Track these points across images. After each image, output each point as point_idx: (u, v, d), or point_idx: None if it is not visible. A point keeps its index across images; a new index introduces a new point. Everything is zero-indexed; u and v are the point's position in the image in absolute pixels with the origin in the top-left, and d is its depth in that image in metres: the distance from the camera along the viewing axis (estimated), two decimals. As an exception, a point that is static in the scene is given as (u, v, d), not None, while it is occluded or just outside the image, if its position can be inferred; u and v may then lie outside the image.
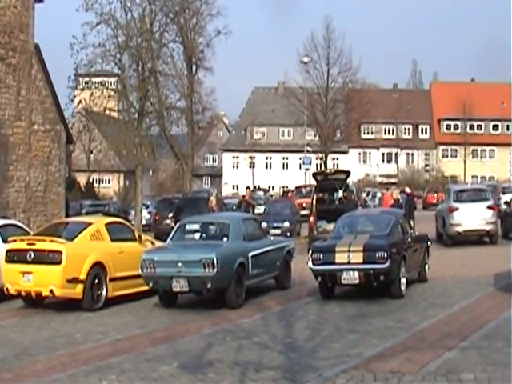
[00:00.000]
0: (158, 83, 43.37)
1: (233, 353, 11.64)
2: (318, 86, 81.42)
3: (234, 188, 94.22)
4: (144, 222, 41.72)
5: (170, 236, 17.76)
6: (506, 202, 34.08)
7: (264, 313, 15.60)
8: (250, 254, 17.03)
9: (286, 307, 16.24)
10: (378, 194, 49.06)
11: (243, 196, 34.77)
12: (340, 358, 10.92)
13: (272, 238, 20.93)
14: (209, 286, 15.79)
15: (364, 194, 59.29)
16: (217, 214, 25.16)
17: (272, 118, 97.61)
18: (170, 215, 35.04)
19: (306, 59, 73.36)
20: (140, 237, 19.21)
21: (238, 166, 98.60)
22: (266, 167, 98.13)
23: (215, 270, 15.55)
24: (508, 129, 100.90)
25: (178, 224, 18.92)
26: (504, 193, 43.47)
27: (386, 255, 15.90)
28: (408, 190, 33.77)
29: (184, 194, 44.76)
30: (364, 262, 16.04)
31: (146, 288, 17.00)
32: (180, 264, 15.87)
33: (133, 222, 35.63)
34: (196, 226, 17.99)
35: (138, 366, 11.03)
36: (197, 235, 17.69)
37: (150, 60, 41.70)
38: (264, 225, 29.65)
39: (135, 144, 40.42)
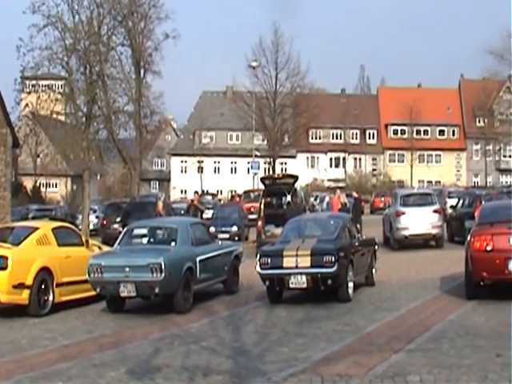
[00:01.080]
0: (106, 87, 43.14)
1: (181, 358, 11.60)
2: (266, 91, 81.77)
3: (182, 192, 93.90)
4: (91, 227, 41.43)
5: (118, 241, 17.64)
6: (451, 206, 34.49)
7: (212, 317, 15.58)
8: (198, 259, 17.00)
9: (234, 311, 16.24)
10: (326, 199, 49.26)
11: (191, 200, 34.66)
12: (288, 361, 10.94)
13: (220, 242, 20.89)
14: (156, 290, 15.72)
15: (312, 199, 59.53)
16: (165, 218, 25.05)
17: (220, 122, 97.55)
18: (118, 220, 34.85)
19: (254, 64, 73.62)
20: (87, 241, 19.06)
21: (186, 171, 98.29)
22: (215, 171, 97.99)
23: (163, 274, 15.49)
24: (454, 134, 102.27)
25: (125, 228, 18.81)
26: (450, 197, 44.08)
27: (333, 259, 15.98)
28: (355, 194, 34.00)
29: (132, 199, 44.57)
30: (312, 266, 16.09)
31: (93, 293, 16.87)
32: (127, 269, 15.78)
33: (80, 227, 35.36)
34: (144, 231, 17.91)
35: (84, 372, 10.93)
36: (144, 240, 17.61)
37: (97, 63, 41.43)
38: (212, 229, 29.66)
39: (83, 148, 40.11)
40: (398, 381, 9.53)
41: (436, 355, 10.87)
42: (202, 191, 74.71)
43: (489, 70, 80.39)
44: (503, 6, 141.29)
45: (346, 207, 29.85)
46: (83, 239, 18.99)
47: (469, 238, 15.97)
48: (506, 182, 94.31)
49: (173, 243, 16.93)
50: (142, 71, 55.37)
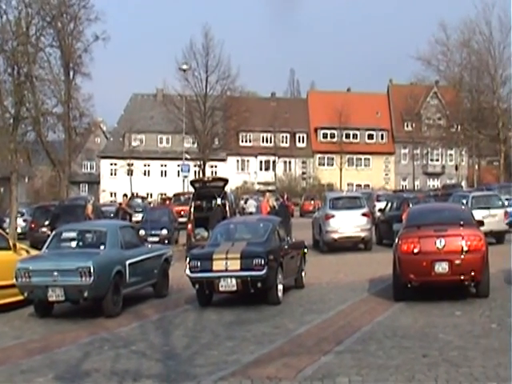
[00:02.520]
0: (34, 88, 42.54)
1: (110, 362, 11.53)
2: (196, 94, 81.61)
3: (111, 195, 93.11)
4: (19, 230, 40.75)
5: (46, 244, 17.43)
6: (380, 210, 34.95)
7: (142, 321, 15.51)
8: (128, 262, 16.91)
9: (163, 315, 16.18)
10: (252, 202, 49.40)
11: (120, 204, 34.41)
12: (218, 365, 10.96)
13: (150, 245, 20.82)
14: (85, 294, 15.58)
15: (242, 202, 59.63)
16: (94, 221, 24.83)
17: (150, 125, 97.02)
18: (46, 223, 34.36)
19: (184, 67, 73.39)
20: (15, 245, 18.79)
21: (115, 173, 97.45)
22: (145, 174, 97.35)
23: (92, 278, 15.37)
24: (383, 138, 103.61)
25: (54, 232, 18.59)
26: (378, 200, 44.61)
27: (263, 262, 16.04)
28: (285, 197, 34.18)
29: (61, 202, 43.94)
30: (241, 269, 16.13)
31: (21, 298, 16.63)
32: (56, 273, 15.60)
33: (7, 230, 34.76)
34: (72, 234, 17.72)
35: (12, 378, 10.78)
36: (73, 243, 17.43)
37: (25, 64, 40.79)
38: (142, 232, 29.46)
39: (10, 150, 39.42)
40: (326, 382, 9.62)
41: (364, 356, 11.00)
42: (132, 194, 74.05)
43: (416, 76, 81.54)
44: (431, 12, 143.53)
45: (276, 210, 29.95)
46: (10, 243, 18.71)
47: (396, 240, 16.20)
48: (434, 186, 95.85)
49: (102, 247, 16.79)
50: (71, 73, 54.73)
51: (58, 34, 50.50)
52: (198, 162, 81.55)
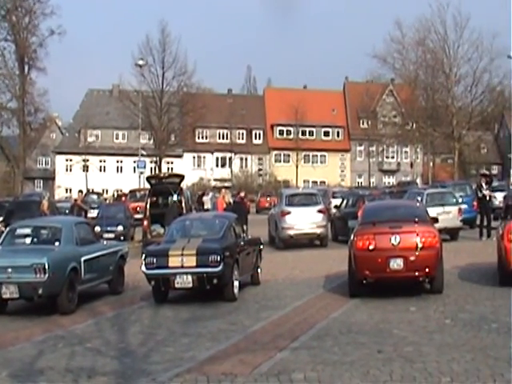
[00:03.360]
0: (-12, 83, 42.07)
1: (65, 360, 11.45)
2: (152, 90, 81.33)
3: (67, 191, 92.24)
4: (-28, 227, 40.26)
5: (0, 241, 17.23)
6: (335, 206, 35.05)
7: (97, 318, 15.41)
8: (83, 259, 16.79)
9: (119, 312, 16.10)
10: (205, 198, 49.43)
11: (75, 200, 34.14)
12: (173, 361, 10.93)
13: (105, 242, 20.69)
14: (40, 291, 15.44)
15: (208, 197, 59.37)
16: (49, 218, 24.60)
17: (106, 120, 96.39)
18: (0, 219, 33.99)
19: (141, 62, 73.03)
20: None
21: (71, 169, 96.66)
22: (100, 170, 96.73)
23: (46, 275, 15.23)
24: (338, 135, 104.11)
25: (8, 228, 18.38)
26: (334, 197, 44.83)
27: (219, 259, 16.04)
28: (242, 194, 34.14)
29: (15, 198, 43.62)
30: (197, 266, 16.10)
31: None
32: (10, 270, 15.43)
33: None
34: (27, 231, 17.55)
35: (-36, 376, 10.66)
36: (28, 240, 17.25)
37: (-21, 59, 40.33)
38: (97, 229, 29.31)
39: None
40: (282, 378, 9.64)
41: (320, 352, 11.04)
42: (88, 190, 73.62)
43: (372, 73, 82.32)
44: (387, 10, 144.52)
45: (231, 206, 29.94)
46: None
47: (352, 237, 16.28)
48: (389, 183, 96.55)
49: (57, 243, 16.65)
50: (26, 67, 54.36)
51: (12, 28, 50.12)
52: (154, 158, 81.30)
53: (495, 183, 46.85)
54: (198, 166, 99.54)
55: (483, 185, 29.44)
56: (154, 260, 16.41)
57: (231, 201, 31.16)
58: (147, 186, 34.41)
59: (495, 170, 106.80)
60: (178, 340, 12.59)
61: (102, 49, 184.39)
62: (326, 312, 14.66)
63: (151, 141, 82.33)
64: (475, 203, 31.13)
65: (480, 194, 29.32)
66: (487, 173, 39.16)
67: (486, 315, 13.36)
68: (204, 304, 16.39)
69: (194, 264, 16.15)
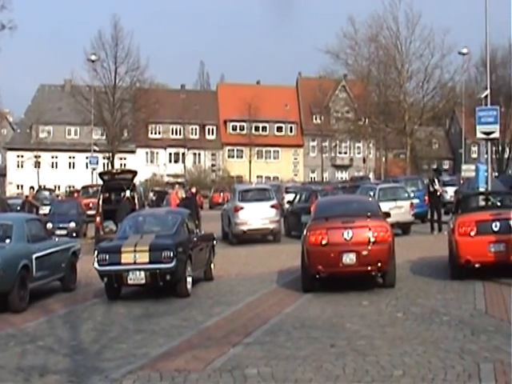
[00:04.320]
0: None
1: (16, 358, 11.33)
2: (105, 85, 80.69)
3: (18, 188, 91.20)
4: None
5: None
6: (288, 202, 35.16)
7: (49, 316, 15.27)
8: (34, 256, 16.59)
9: (71, 309, 15.97)
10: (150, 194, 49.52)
11: (26, 196, 33.76)
12: (126, 358, 10.88)
13: (57, 239, 20.50)
14: (-10, 289, 15.24)
15: (151, 194, 59.27)
16: (-1, 214, 24.27)
17: (58, 116, 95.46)
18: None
19: (93, 57, 72.40)
20: None
21: (22, 165, 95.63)
22: (52, 167, 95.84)
23: (-3, 272, 15.04)
24: (291, 131, 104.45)
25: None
26: (287, 192, 44.88)
27: (172, 255, 15.98)
28: (193, 189, 34.05)
29: (-36, 195, 42.95)
30: (150, 262, 16.04)
31: None
32: (-40, 267, 15.21)
33: None
34: (-23, 228, 17.29)
35: None
36: (-23, 237, 17.01)
37: None
38: (49, 225, 28.90)
39: None
40: (236, 374, 9.64)
41: (273, 348, 11.06)
42: (39, 187, 72.93)
43: (325, 69, 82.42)
44: (340, 6, 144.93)
45: (184, 202, 29.83)
46: None
47: (305, 232, 16.33)
48: (342, 178, 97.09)
49: (7, 240, 16.43)
50: (-25, 62, 53.53)
51: (-39, 22, 49.28)
52: (107, 154, 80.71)
53: (446, 178, 47.40)
54: (151, 161, 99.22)
55: (435, 180, 29.76)
56: (107, 256, 16.30)
57: (184, 196, 31.00)
58: (100, 182, 34.23)
59: (446, 165, 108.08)
60: (131, 337, 12.53)
61: (54, 43, 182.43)
62: (279, 307, 14.69)
63: (104, 136, 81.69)
64: (427, 198, 31.44)
65: (431, 189, 29.62)
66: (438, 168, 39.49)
67: (437, 308, 13.50)
68: (157, 300, 16.33)
69: (147, 260, 16.08)
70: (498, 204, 18.89)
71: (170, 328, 13.16)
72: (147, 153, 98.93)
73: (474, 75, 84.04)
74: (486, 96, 30.21)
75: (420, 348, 10.50)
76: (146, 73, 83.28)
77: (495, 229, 16.22)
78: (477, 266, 16.31)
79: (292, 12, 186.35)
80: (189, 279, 16.82)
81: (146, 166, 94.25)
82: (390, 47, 74.63)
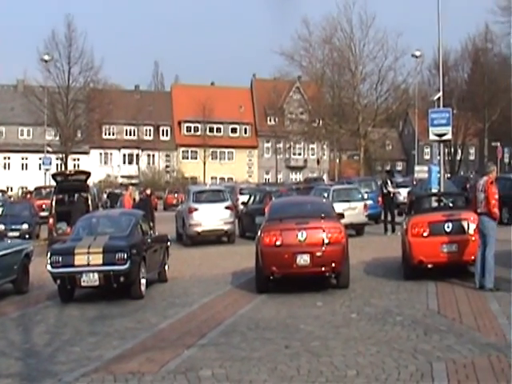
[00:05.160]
0: None
1: (-33, 361, 11.19)
2: (58, 85, 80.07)
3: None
4: None
5: None
6: (243, 203, 35.20)
7: (1, 318, 15.10)
8: (-14, 258, 16.42)
9: (24, 312, 15.80)
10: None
11: (-22, 198, 33.42)
12: (80, 361, 10.80)
13: (9, 240, 20.29)
14: None
15: (105, 195, 58.93)
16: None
17: (10, 116, 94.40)
18: None
19: (46, 57, 71.69)
20: None
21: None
22: (5, 167, 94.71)
23: None
24: (246, 132, 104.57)
25: None
26: (241, 193, 44.91)
27: (125, 256, 15.91)
28: (148, 191, 33.90)
29: None
30: (104, 264, 15.93)
31: None
32: None
33: None
34: None
35: None
36: None
37: None
38: (1, 227, 28.74)
39: None
40: (190, 376, 9.62)
41: (227, 349, 11.06)
42: (-9, 188, 72.04)
43: (280, 71, 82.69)
44: (294, 8, 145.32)
45: (138, 204, 29.70)
46: None
47: (259, 233, 16.35)
48: (296, 179, 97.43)
49: (-42, 242, 16.26)
50: None
51: None
52: (60, 155, 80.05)
53: (399, 179, 47.79)
54: (105, 162, 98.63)
55: (388, 181, 30.01)
56: (60, 258, 16.16)
57: (137, 198, 30.85)
58: (53, 183, 33.88)
59: (400, 166, 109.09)
60: (85, 339, 12.44)
61: (6, 43, 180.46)
62: (233, 308, 14.70)
63: (57, 137, 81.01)
64: (380, 199, 31.69)
65: (385, 190, 29.86)
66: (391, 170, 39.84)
67: (390, 309, 13.60)
68: (111, 302, 16.23)
69: (101, 262, 15.97)
70: (451, 205, 19.14)
71: (124, 330, 13.09)
72: (101, 154, 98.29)
73: (427, 77, 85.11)
74: (439, 98, 30.52)
75: (374, 348, 10.57)
76: (99, 73, 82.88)
77: (447, 229, 16.41)
78: (429, 266, 16.48)
79: (246, 14, 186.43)
80: (143, 281, 16.75)
81: (99, 167, 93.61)
82: (344, 49, 75.11)
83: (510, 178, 32.10)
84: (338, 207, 23.15)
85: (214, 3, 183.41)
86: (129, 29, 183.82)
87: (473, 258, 15.58)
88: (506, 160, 66.11)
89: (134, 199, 30.39)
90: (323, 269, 15.66)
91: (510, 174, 38.97)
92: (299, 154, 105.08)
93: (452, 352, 10.10)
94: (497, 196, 15.28)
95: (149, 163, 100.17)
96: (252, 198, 34.38)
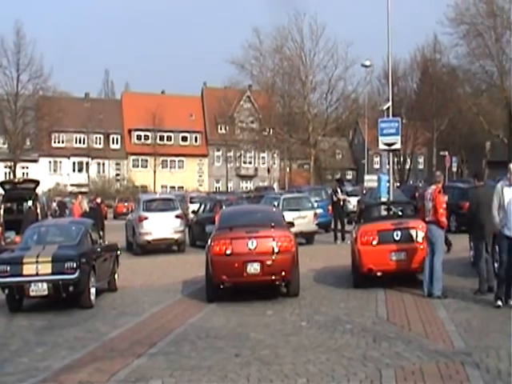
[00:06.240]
0: None
1: None
2: (7, 93, 79.39)
3: None
4: None
5: None
6: (193, 211, 35.15)
7: None
8: None
9: (-30, 322, 15.59)
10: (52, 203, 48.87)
11: None
12: (28, 372, 10.67)
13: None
14: None
15: (54, 204, 58.40)
16: None
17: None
18: None
19: (-6, 64, 71.07)
20: None
21: None
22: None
23: None
24: (196, 140, 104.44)
25: None
26: (192, 202, 44.88)
27: (75, 265, 15.78)
28: (98, 199, 33.73)
29: None
30: (53, 273, 15.78)
31: None
32: None
33: None
34: None
35: None
36: None
37: None
38: None
39: None
40: (139, 386, 9.59)
41: (177, 358, 11.02)
42: None
43: (230, 80, 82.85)
44: (245, 17, 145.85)
45: (88, 212, 29.49)
46: None
47: (209, 242, 16.34)
48: (246, 188, 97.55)
49: None
50: None
51: None
52: (9, 163, 79.25)
53: (349, 188, 48.11)
54: (55, 170, 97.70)
55: (337, 189, 30.19)
56: (8, 268, 15.96)
57: (86, 207, 30.61)
58: (1, 191, 33.53)
59: (350, 175, 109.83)
60: (33, 349, 12.31)
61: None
62: (183, 317, 14.66)
63: (5, 145, 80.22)
64: (330, 208, 31.85)
65: (335, 198, 30.04)
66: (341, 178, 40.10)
67: (340, 317, 13.68)
68: (60, 312, 16.08)
69: (50, 271, 15.82)
70: (400, 213, 19.30)
71: (74, 340, 12.98)
72: (50, 162, 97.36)
73: (377, 87, 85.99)
74: (388, 108, 30.83)
75: (323, 356, 10.62)
76: (49, 81, 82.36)
77: (396, 238, 16.56)
78: (379, 274, 16.62)
79: (197, 22, 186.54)
80: (92, 290, 16.63)
81: (49, 175, 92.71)
82: (294, 58, 75.47)
83: (458, 187, 32.52)
84: (288, 216, 23.25)
85: (164, 11, 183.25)
86: (79, 36, 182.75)
87: (421, 266, 15.76)
88: (454, 169, 67.05)
89: (84, 208, 30.14)
90: (273, 277, 15.70)
91: (457, 183, 39.50)
92: (250, 163, 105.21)
93: (401, 359, 10.19)
94: (445, 205, 15.50)
95: (99, 171, 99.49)
96: (202, 207, 34.37)
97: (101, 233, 21.28)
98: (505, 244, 13.42)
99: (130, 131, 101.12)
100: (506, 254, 13.42)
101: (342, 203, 30.07)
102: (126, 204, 65.17)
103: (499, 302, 13.46)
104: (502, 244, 13.54)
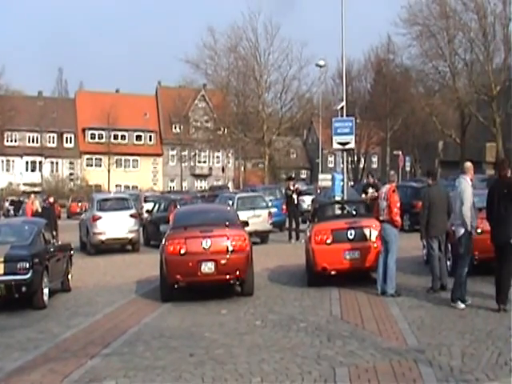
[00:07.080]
0: None
1: None
2: (-42, 91, 78.37)
3: None
4: None
5: None
6: (147, 211, 35.03)
7: None
8: None
9: None
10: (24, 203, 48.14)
11: None
12: (-21, 373, 10.55)
13: None
14: None
15: (7, 204, 57.79)
16: None
17: None
18: None
19: None
20: None
21: None
22: None
23: None
24: (151, 139, 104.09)
25: None
26: (146, 201, 44.70)
27: (27, 266, 15.62)
28: (51, 199, 33.46)
29: None
30: (5, 274, 15.59)
31: None
32: None
33: None
34: None
35: None
36: None
37: None
38: None
39: None
40: (93, 386, 9.53)
41: (131, 358, 10.97)
42: None
43: (185, 79, 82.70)
44: (200, 16, 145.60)
45: (41, 212, 29.24)
46: None
47: (163, 241, 16.30)
48: (201, 187, 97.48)
49: None
50: None
51: None
52: (-40, 163, 78.30)
53: (303, 187, 48.25)
54: (7, 170, 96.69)
55: (291, 188, 30.26)
56: (-41, 268, 15.75)
57: (38, 207, 30.35)
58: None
59: (304, 174, 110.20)
60: (-16, 351, 12.17)
61: None
62: (137, 317, 14.59)
63: (-44, 145, 79.27)
64: (284, 207, 31.94)
65: (289, 192, 30.13)
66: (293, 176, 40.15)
67: (294, 315, 13.71)
68: (12, 313, 15.89)
69: (2, 272, 15.63)
70: (354, 212, 19.42)
71: (26, 341, 12.84)
72: (3, 161, 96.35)
73: (331, 87, 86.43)
74: (342, 107, 31.02)
75: (278, 355, 10.64)
76: (1, 79, 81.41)
77: (350, 237, 16.65)
78: (333, 273, 16.70)
79: (151, 20, 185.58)
80: (45, 290, 16.47)
81: (1, 174, 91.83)
82: (249, 58, 75.50)
83: (411, 186, 32.81)
84: (243, 215, 23.28)
85: (118, 9, 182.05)
86: (32, 34, 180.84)
87: (374, 264, 15.87)
88: (408, 168, 67.59)
89: (36, 208, 29.89)
90: (228, 276, 15.70)
91: (411, 182, 39.84)
92: (204, 162, 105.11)
93: (354, 357, 10.25)
94: (398, 204, 15.61)
95: (52, 171, 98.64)
96: (157, 206, 34.24)
97: (54, 233, 21.13)
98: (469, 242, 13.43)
99: (83, 130, 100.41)
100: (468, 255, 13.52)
101: (295, 202, 30.10)
102: (79, 203, 64.70)
103: (462, 305, 13.40)
104: (469, 243, 13.49)
